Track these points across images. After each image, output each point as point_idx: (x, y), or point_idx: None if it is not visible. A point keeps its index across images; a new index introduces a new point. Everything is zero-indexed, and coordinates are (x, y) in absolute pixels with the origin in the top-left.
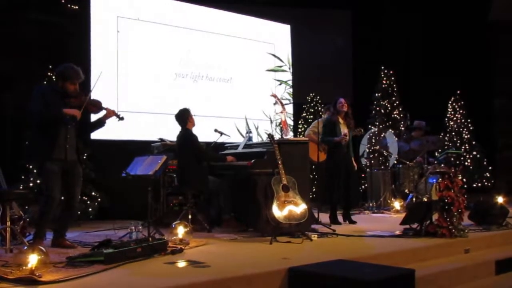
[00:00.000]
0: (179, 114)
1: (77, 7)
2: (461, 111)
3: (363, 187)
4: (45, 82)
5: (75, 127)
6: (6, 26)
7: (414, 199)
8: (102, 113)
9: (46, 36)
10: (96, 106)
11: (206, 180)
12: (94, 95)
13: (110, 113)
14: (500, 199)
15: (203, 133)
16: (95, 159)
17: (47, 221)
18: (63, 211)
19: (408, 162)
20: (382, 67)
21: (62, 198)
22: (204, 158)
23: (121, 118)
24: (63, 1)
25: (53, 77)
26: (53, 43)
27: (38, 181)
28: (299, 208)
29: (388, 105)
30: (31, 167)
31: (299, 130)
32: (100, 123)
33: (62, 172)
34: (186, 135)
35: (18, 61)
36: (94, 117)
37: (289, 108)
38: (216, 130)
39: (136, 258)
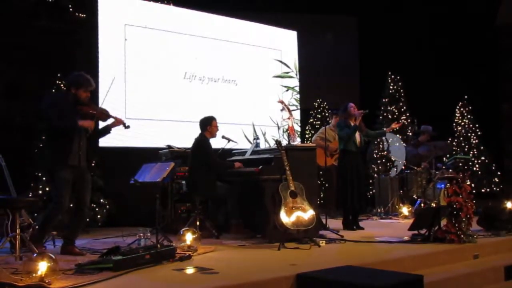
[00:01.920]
0: (202, 120)
1: (85, 15)
2: (469, 116)
3: (371, 192)
4: (53, 90)
5: (86, 134)
6: (14, 34)
7: (422, 204)
8: (109, 121)
9: (54, 44)
10: (105, 114)
11: (214, 186)
12: (102, 103)
13: (118, 121)
14: (509, 204)
15: (211, 139)
16: (103, 166)
17: (50, 227)
18: (73, 218)
19: (416, 168)
20: (389, 73)
21: (71, 205)
22: (212, 165)
23: (127, 127)
24: (71, 9)
25: (62, 85)
26: (61, 51)
27: (48, 189)
28: (307, 214)
29: (396, 111)
30: (40, 174)
31: (307, 136)
32: (106, 130)
33: (72, 179)
34: (200, 141)
35: (26, 69)
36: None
37: (296, 114)
38: (223, 137)
39: (145, 265)
